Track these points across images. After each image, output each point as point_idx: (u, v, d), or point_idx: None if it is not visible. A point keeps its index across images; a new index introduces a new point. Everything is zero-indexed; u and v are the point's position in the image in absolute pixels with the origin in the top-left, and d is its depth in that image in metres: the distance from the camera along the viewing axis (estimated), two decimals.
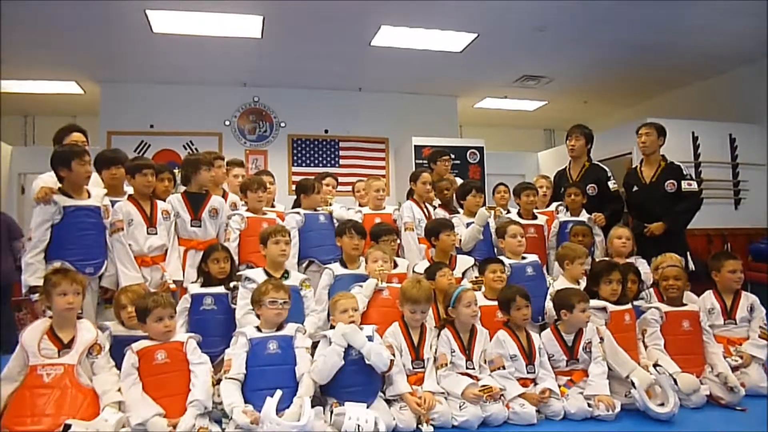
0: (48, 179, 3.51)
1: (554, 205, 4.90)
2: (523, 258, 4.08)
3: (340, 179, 7.25)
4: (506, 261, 3.97)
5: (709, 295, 3.88)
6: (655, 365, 3.33)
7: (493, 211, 4.43)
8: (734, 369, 3.48)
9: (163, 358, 2.87)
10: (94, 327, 2.98)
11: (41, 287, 2.99)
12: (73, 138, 3.87)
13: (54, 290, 2.82)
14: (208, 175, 3.97)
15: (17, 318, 5.39)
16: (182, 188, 4.09)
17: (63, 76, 7.20)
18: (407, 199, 4.76)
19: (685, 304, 3.71)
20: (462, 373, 3.22)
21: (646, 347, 3.55)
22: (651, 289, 3.97)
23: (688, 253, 4.52)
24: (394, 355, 3.13)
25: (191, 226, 3.86)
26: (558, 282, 3.91)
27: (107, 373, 2.83)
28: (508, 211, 4.77)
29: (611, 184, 4.93)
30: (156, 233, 3.67)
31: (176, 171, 4.32)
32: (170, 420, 2.70)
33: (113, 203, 3.60)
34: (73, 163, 3.36)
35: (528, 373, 3.27)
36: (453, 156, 5.82)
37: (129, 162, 3.81)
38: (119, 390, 2.77)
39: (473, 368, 3.26)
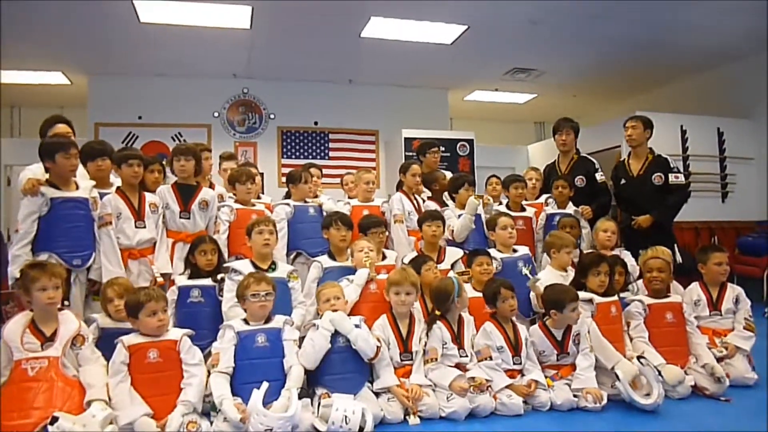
0: (36, 170, 3.47)
1: (543, 197, 4.93)
2: (515, 251, 4.10)
3: (330, 171, 7.28)
4: (498, 255, 3.99)
5: (695, 287, 3.91)
6: (639, 357, 3.35)
7: (481, 200, 4.44)
8: (719, 360, 3.51)
9: (156, 357, 2.82)
10: (78, 318, 2.94)
11: (19, 281, 2.92)
12: (57, 129, 3.81)
13: (33, 285, 2.76)
14: (178, 165, 3.92)
15: (4, 311, 5.36)
16: (172, 179, 4.07)
17: (49, 66, 7.13)
18: (397, 190, 4.76)
19: (669, 296, 3.73)
20: (456, 364, 3.23)
21: (631, 339, 3.57)
22: (640, 281, 4.00)
23: (675, 246, 4.54)
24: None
25: (180, 217, 3.84)
26: (545, 271, 3.94)
27: (94, 364, 2.80)
28: (500, 203, 4.78)
29: (599, 176, 4.97)
30: (144, 226, 3.65)
31: (165, 162, 4.29)
32: (158, 420, 2.68)
33: (101, 195, 3.56)
34: (58, 156, 3.32)
35: (514, 364, 3.28)
36: (443, 148, 5.83)
37: (116, 153, 3.77)
38: (106, 384, 2.73)
39: (465, 356, 3.28)
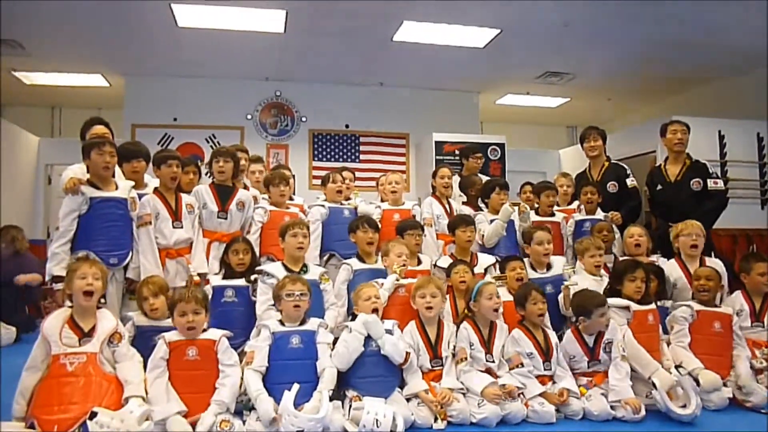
0: (77, 170, 3.56)
1: (576, 203, 4.86)
2: (549, 267, 4.01)
3: (361, 174, 7.27)
4: (530, 273, 3.90)
5: (738, 296, 3.82)
6: (678, 366, 3.29)
7: (517, 208, 4.40)
8: (759, 372, 3.43)
9: (194, 355, 2.87)
10: (116, 316, 3.00)
11: (65, 276, 2.99)
12: (96, 130, 3.90)
13: (74, 274, 2.84)
14: (217, 166, 3.97)
15: (43, 306, 5.52)
16: (206, 181, 4.13)
17: (89, 68, 7.28)
18: (432, 194, 4.76)
19: (718, 306, 3.66)
20: (484, 369, 3.22)
21: (669, 344, 3.51)
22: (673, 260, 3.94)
23: (713, 253, 4.45)
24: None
25: (218, 217, 3.89)
26: (577, 276, 3.86)
27: (130, 361, 2.86)
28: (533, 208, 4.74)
29: (629, 182, 4.90)
30: (181, 227, 3.70)
31: (200, 163, 4.37)
32: (191, 417, 2.72)
33: (138, 196, 3.62)
34: (92, 153, 3.41)
35: (545, 370, 3.25)
36: None
37: (156, 153, 3.84)
38: (144, 381, 2.78)
39: (493, 361, 3.26)
